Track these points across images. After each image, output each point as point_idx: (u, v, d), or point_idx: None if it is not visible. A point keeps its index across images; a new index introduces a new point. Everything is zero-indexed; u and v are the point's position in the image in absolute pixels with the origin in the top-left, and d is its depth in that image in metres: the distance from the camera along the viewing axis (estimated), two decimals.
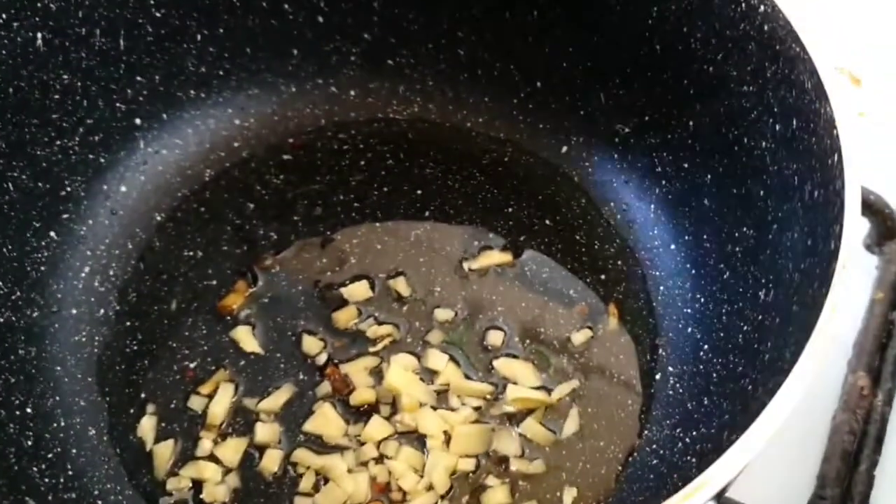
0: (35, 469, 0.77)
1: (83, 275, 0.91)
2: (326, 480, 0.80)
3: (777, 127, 0.75)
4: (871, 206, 0.96)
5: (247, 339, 0.87)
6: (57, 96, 0.88)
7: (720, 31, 0.80)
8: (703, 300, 0.87)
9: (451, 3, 0.96)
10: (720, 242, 0.86)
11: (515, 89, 1.00)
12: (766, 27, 0.74)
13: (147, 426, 0.83)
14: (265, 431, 0.82)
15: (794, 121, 0.73)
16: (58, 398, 0.83)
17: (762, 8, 0.74)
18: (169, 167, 0.98)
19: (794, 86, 0.72)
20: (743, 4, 0.76)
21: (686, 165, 0.90)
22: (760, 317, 0.77)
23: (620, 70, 0.92)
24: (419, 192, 0.97)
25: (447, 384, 0.85)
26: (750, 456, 0.53)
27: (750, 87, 0.79)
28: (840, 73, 1.15)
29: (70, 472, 0.79)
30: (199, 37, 0.95)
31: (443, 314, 0.89)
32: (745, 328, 0.79)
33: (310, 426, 0.82)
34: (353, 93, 1.03)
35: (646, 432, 0.83)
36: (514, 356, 0.87)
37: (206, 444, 0.82)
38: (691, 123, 0.88)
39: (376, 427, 0.82)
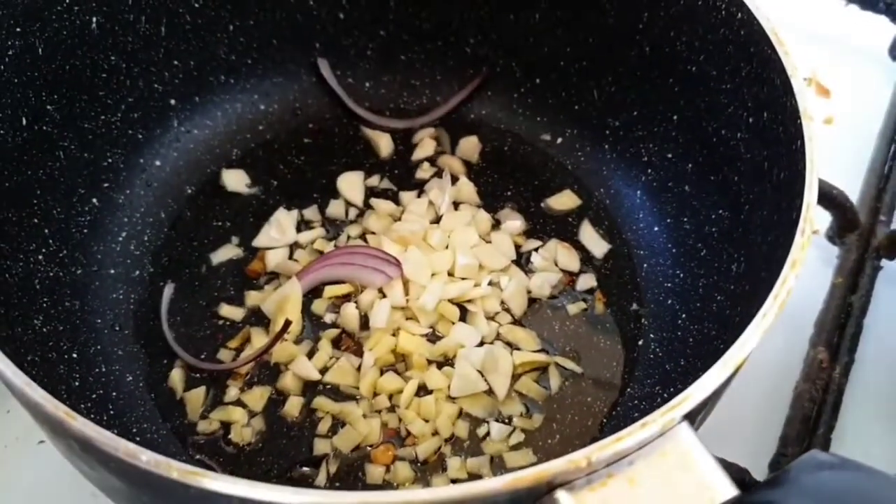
0: (83, 406, 0.85)
1: (121, 239, 0.99)
2: (342, 424, 0.89)
3: (750, 119, 0.86)
4: (834, 201, 1.06)
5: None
6: (104, 75, 0.96)
7: (703, 34, 0.90)
8: (682, 275, 0.97)
9: (460, 5, 1.06)
10: (699, 224, 0.96)
11: (516, 85, 1.10)
12: (742, 32, 0.84)
13: (176, 377, 0.91)
14: (288, 380, 0.91)
15: (764, 114, 0.83)
16: (99, 347, 0.92)
17: (739, 15, 0.84)
18: (199, 145, 1.07)
19: (765, 83, 0.82)
20: (723, 12, 0.86)
21: (670, 155, 1.00)
22: (733, 287, 0.87)
23: (613, 69, 1.02)
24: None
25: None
26: (725, 375, 0.62)
27: (727, 85, 0.89)
28: (808, 84, 1.26)
29: (112, 412, 0.87)
30: (231, 27, 1.05)
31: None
32: (720, 298, 0.89)
33: (329, 377, 0.91)
34: (367, 84, 1.12)
35: (628, 390, 0.93)
36: (519, 324, 0.96)
37: (233, 391, 0.91)
38: (675, 118, 0.98)
39: (389, 381, 0.91)
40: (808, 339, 1.02)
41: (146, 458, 0.57)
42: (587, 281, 1.00)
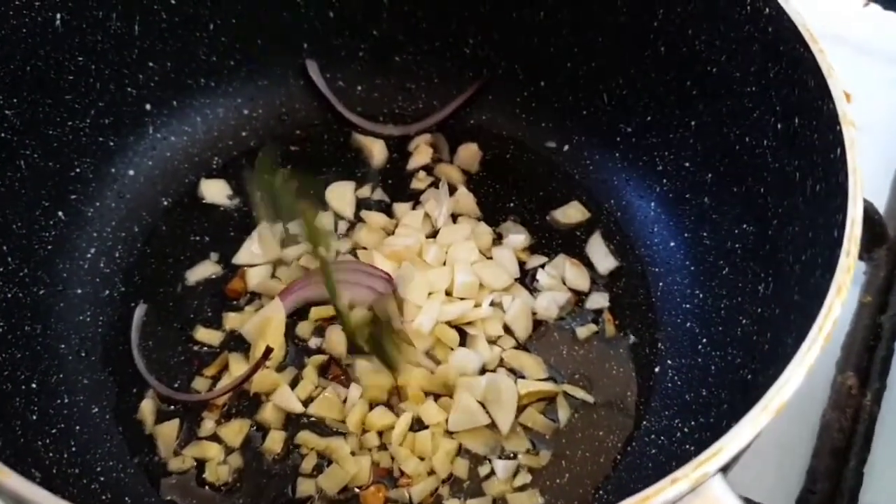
0: (40, 443, 0.77)
1: (89, 255, 0.91)
2: (329, 462, 0.81)
3: (779, 126, 0.78)
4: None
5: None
6: (71, 77, 0.89)
7: (725, 33, 0.82)
8: (701, 296, 0.89)
9: (459, 3, 0.98)
10: (720, 239, 0.88)
11: (519, 88, 1.02)
12: (770, 28, 0.77)
13: (147, 409, 0.83)
14: (268, 412, 0.82)
15: (795, 119, 0.75)
16: (62, 375, 0.84)
17: (767, 10, 0.76)
18: (177, 153, 0.99)
19: (796, 85, 0.74)
20: (748, 7, 0.78)
21: (687, 164, 0.92)
22: (759, 310, 0.79)
23: (624, 71, 0.94)
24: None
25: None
26: (764, 421, 0.54)
27: (752, 88, 0.81)
28: None
29: (73, 448, 0.79)
30: (211, 26, 0.97)
31: None
32: (744, 321, 0.81)
33: (314, 409, 0.83)
34: (359, 87, 1.04)
35: (644, 422, 0.85)
36: (524, 349, 0.88)
37: (208, 425, 0.83)
38: (693, 123, 0.90)
39: (379, 416, 0.83)
40: (836, 363, 0.94)
41: None
42: (598, 300, 0.92)
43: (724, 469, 0.57)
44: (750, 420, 0.55)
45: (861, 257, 1.01)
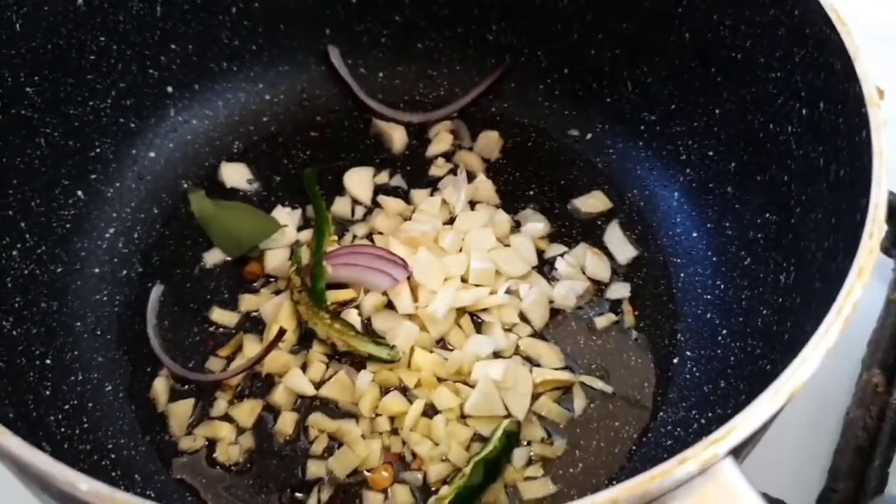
0: (52, 418, 0.77)
1: (108, 235, 0.92)
2: (339, 445, 0.80)
3: (804, 111, 0.76)
4: (890, 209, 0.95)
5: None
6: (93, 57, 0.89)
7: (750, 17, 0.81)
8: (722, 286, 0.87)
9: None
10: (742, 229, 0.86)
11: (542, 75, 1.00)
12: (796, 11, 0.75)
13: (160, 388, 0.83)
14: (280, 394, 0.82)
15: (821, 104, 0.73)
16: (76, 352, 0.84)
17: None
18: (198, 136, 0.99)
19: (822, 69, 0.72)
20: None
21: (711, 153, 0.90)
22: (781, 299, 0.77)
23: (648, 58, 0.93)
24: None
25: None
26: (778, 403, 0.53)
27: (778, 73, 0.79)
28: None
29: (85, 425, 0.80)
30: (234, 9, 0.97)
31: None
32: (765, 312, 0.80)
33: (326, 391, 0.82)
34: (381, 74, 1.04)
35: (661, 414, 0.83)
36: (541, 337, 0.87)
37: (221, 405, 0.82)
38: (717, 111, 0.88)
39: (392, 401, 0.82)
40: (861, 360, 0.91)
41: (86, 488, 0.49)
42: (618, 290, 0.91)
43: (737, 453, 0.55)
44: (763, 402, 0.53)
45: (889, 254, 0.99)
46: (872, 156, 0.63)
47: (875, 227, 0.59)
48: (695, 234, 0.92)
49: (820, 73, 0.73)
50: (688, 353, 0.86)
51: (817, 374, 0.88)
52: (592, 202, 0.96)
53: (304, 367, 0.84)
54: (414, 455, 0.80)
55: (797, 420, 0.89)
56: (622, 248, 0.93)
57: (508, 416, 0.82)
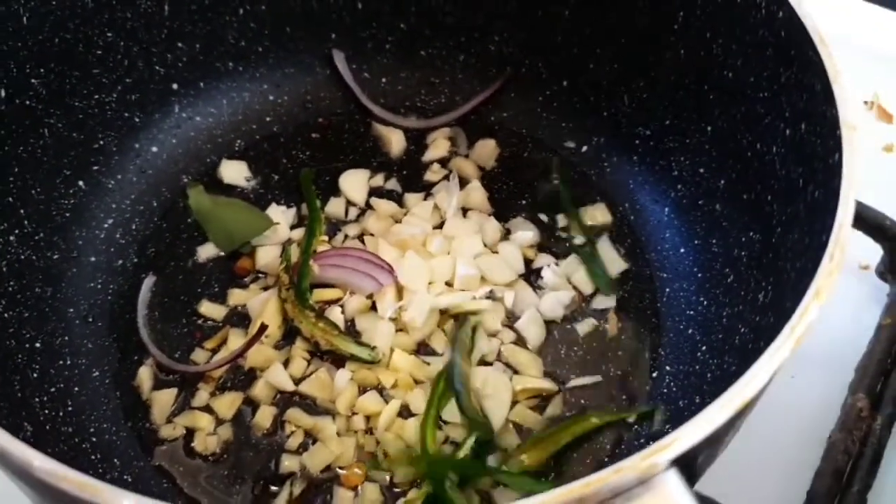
0: (37, 400, 0.79)
1: (106, 226, 0.94)
2: (315, 441, 0.81)
3: (787, 132, 0.76)
4: (886, 233, 0.95)
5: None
6: (99, 52, 0.91)
7: (741, 36, 0.81)
8: (706, 303, 0.87)
9: None
10: (728, 247, 0.86)
11: (541, 86, 1.01)
12: (783, 32, 0.75)
13: (144, 376, 0.85)
14: (260, 388, 0.83)
15: (802, 125, 0.73)
16: (67, 338, 0.86)
17: (780, 14, 0.75)
18: (201, 133, 1.01)
19: (805, 90, 0.72)
20: (763, 10, 0.77)
21: (702, 170, 0.91)
22: (758, 318, 0.77)
23: (645, 73, 0.94)
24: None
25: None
26: (724, 416, 0.53)
27: (765, 93, 0.79)
28: (869, 108, 1.15)
29: (70, 408, 0.82)
30: (241, 11, 0.99)
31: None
32: (743, 330, 0.80)
33: (305, 387, 0.84)
34: (384, 79, 1.05)
35: (635, 427, 0.83)
36: (523, 346, 0.88)
37: (203, 396, 0.84)
38: (709, 128, 0.89)
39: (369, 400, 0.83)
40: (848, 385, 0.91)
41: (38, 464, 0.50)
42: (604, 302, 0.91)
43: (688, 468, 0.56)
44: (706, 415, 0.54)
45: (885, 279, 0.98)
46: (842, 178, 0.63)
47: (836, 249, 0.59)
48: (682, 250, 0.92)
49: (802, 95, 0.73)
50: (667, 367, 0.87)
51: (799, 394, 0.89)
52: (596, 214, 0.97)
53: (286, 363, 0.85)
54: (386, 455, 0.80)
55: (780, 442, 0.89)
56: (613, 261, 0.93)
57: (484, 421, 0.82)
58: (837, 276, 0.59)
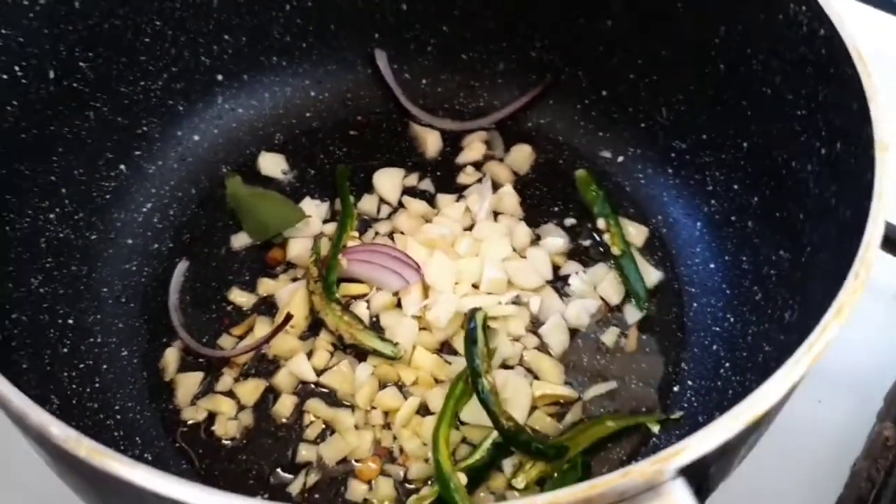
0: (65, 374, 0.81)
1: (145, 210, 0.96)
2: (332, 432, 0.82)
3: (823, 150, 0.75)
4: None
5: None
6: (147, 40, 0.93)
7: (781, 52, 0.80)
8: (732, 320, 0.87)
9: (529, 4, 0.99)
10: (758, 264, 0.86)
11: (580, 95, 1.01)
12: (823, 50, 0.75)
13: (171, 357, 0.87)
14: (283, 377, 0.85)
15: (838, 144, 0.73)
16: (99, 316, 0.88)
17: (822, 31, 0.74)
18: (242, 125, 1.03)
19: (842, 109, 0.72)
20: (804, 27, 0.76)
21: (736, 186, 0.90)
22: (783, 336, 0.77)
23: (684, 86, 0.93)
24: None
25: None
26: (734, 429, 0.53)
27: (803, 111, 0.79)
28: None
29: (97, 385, 0.83)
30: (287, 7, 1.00)
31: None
32: (767, 348, 0.79)
33: (326, 379, 0.85)
34: (424, 81, 1.06)
35: (653, 439, 0.83)
36: (545, 352, 0.88)
37: (226, 381, 0.85)
38: (745, 144, 0.88)
39: (388, 396, 0.84)
40: (876, 413, 0.90)
41: (56, 431, 0.52)
42: (633, 314, 0.91)
43: (698, 480, 0.56)
44: (718, 426, 0.54)
45: None
46: (872, 197, 0.62)
47: (862, 268, 0.59)
48: (712, 266, 0.91)
49: (839, 113, 0.72)
50: (689, 382, 0.86)
51: (824, 420, 0.88)
52: (627, 226, 0.96)
53: (309, 354, 0.86)
54: (402, 450, 0.81)
55: (803, 467, 0.88)
56: (646, 272, 0.93)
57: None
58: (861, 295, 0.59)
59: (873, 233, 0.60)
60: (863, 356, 0.96)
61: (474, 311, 0.82)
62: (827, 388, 0.93)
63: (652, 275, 0.93)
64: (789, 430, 0.91)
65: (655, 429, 0.83)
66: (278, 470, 0.81)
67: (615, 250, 0.94)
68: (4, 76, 0.79)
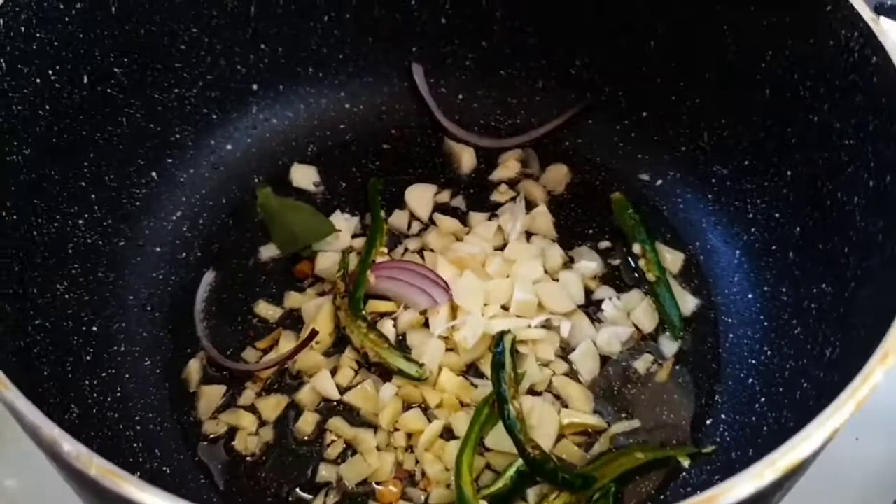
0: (87, 382, 0.81)
1: (174, 218, 0.95)
2: (353, 452, 0.81)
3: (871, 182, 0.73)
4: None
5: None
6: (183, 47, 0.93)
7: (830, 80, 0.78)
8: (769, 353, 0.84)
9: (571, 22, 0.97)
10: (798, 297, 0.83)
11: (620, 116, 0.99)
12: (875, 79, 0.72)
13: (194, 369, 0.86)
14: (306, 393, 0.83)
15: (887, 176, 0.70)
16: (123, 324, 0.87)
17: (875, 59, 0.72)
18: (276, 135, 1.02)
19: (893, 140, 0.69)
20: (856, 55, 0.74)
21: (777, 216, 0.87)
22: (822, 374, 0.74)
23: (728, 111, 0.91)
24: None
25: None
26: (767, 479, 0.51)
27: (851, 141, 0.76)
28: None
29: (118, 394, 0.83)
30: (326, 18, 0.99)
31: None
32: (806, 385, 0.76)
33: (350, 397, 0.83)
34: (461, 96, 1.05)
35: (683, 474, 0.80)
36: (575, 378, 0.86)
37: (249, 395, 0.84)
38: (789, 173, 0.86)
39: (412, 418, 0.82)
40: None
41: (68, 448, 0.50)
42: (668, 345, 0.88)
43: None
44: (751, 475, 0.51)
45: None
46: None
47: None
48: (750, 296, 0.89)
49: (890, 145, 0.70)
50: (722, 416, 0.83)
51: (864, 461, 0.85)
52: (664, 252, 0.94)
53: (333, 371, 0.85)
54: (423, 474, 0.79)
55: None
56: (682, 299, 0.90)
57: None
58: None
59: None
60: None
61: (502, 334, 0.80)
62: (865, 426, 0.90)
63: (689, 302, 0.91)
64: (825, 467, 0.88)
65: (686, 463, 0.81)
66: (297, 489, 0.79)
67: (650, 276, 0.91)
68: (38, 80, 0.79)
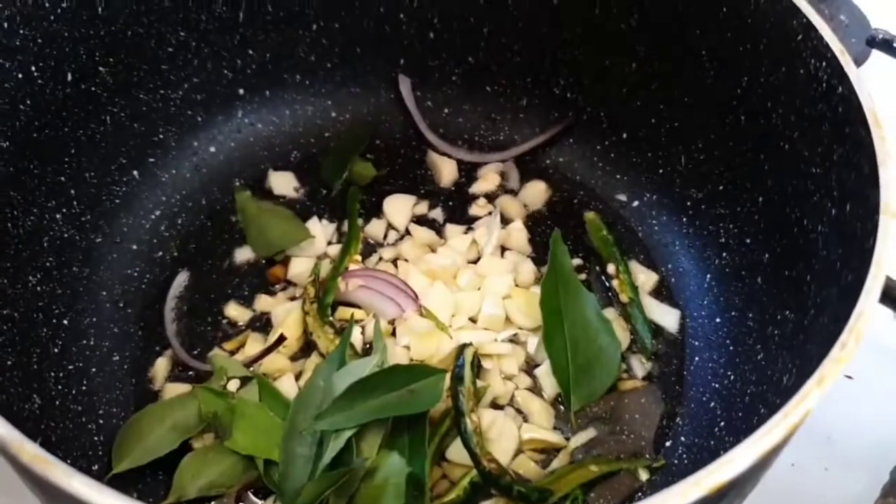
0: (52, 374, 0.81)
1: (153, 217, 0.96)
2: None
3: (833, 211, 0.73)
4: None
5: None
6: (170, 49, 0.94)
7: (800, 108, 0.78)
8: (732, 378, 0.84)
9: (555, 41, 0.98)
10: (763, 323, 0.83)
11: (601, 136, 1.00)
12: (840, 108, 0.72)
13: (160, 367, 0.87)
14: None
15: (847, 205, 0.70)
16: (94, 319, 0.88)
17: (840, 89, 0.72)
18: (260, 140, 1.03)
19: (854, 170, 0.69)
20: (824, 84, 0.74)
21: (748, 241, 0.88)
22: (778, 401, 0.73)
23: (705, 135, 0.91)
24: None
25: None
26: (692, 497, 0.51)
27: (818, 169, 0.76)
28: None
29: (84, 387, 0.84)
30: (314, 26, 1.00)
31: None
32: (763, 411, 0.76)
33: None
34: (446, 110, 1.05)
35: (639, 494, 0.80)
36: (538, 394, 0.86)
37: None
38: (761, 199, 0.86)
39: None
40: (882, 486, 0.86)
41: (2, 432, 0.51)
42: (638, 366, 0.88)
43: None
44: (675, 493, 0.51)
45: None
46: (871, 264, 0.59)
47: (850, 338, 0.56)
48: (718, 320, 0.89)
49: (851, 175, 0.70)
50: (682, 438, 0.83)
51: (827, 496, 0.85)
52: (640, 276, 0.94)
53: (298, 376, 0.85)
54: None
55: None
56: (663, 314, 0.91)
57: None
58: (845, 366, 0.56)
59: (866, 302, 0.57)
60: (875, 426, 0.93)
61: (463, 347, 0.80)
62: (836, 457, 0.90)
63: (671, 315, 0.91)
64: (794, 497, 0.88)
65: (644, 476, 0.81)
66: (250, 493, 0.79)
67: (623, 297, 0.91)
68: (19, 75, 0.80)
